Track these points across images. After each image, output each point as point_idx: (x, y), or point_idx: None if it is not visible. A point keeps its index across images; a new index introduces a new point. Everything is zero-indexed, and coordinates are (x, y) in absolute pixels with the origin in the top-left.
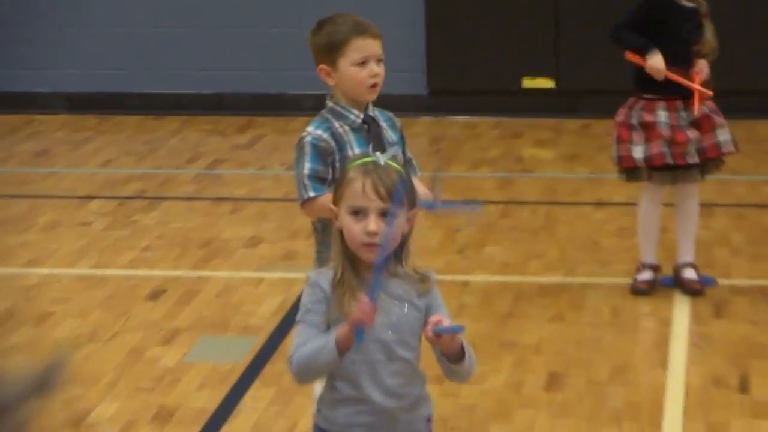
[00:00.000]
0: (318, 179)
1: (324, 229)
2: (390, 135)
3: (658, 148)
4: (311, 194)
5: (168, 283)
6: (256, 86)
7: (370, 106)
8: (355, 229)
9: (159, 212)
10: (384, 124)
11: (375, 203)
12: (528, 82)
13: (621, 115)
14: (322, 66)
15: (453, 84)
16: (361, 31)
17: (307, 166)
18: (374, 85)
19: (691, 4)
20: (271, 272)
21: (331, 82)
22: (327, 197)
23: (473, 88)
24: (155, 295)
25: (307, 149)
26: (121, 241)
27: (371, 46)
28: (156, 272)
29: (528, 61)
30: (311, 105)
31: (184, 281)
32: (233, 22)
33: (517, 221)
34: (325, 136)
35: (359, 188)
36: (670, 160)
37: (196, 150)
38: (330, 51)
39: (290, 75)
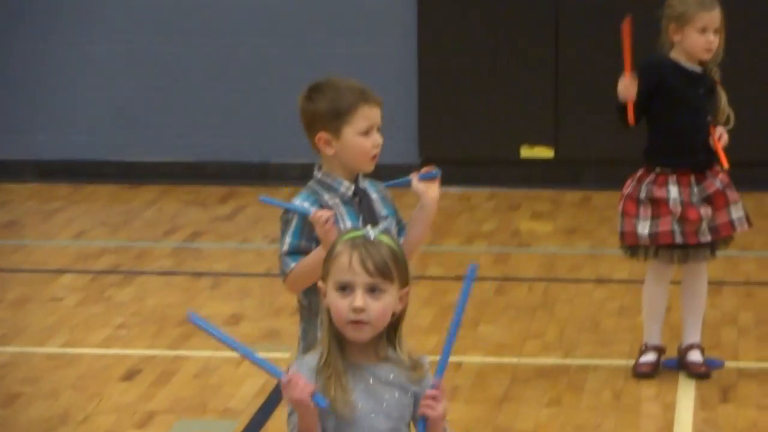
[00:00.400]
0: (299, 254)
1: (310, 307)
2: (381, 208)
3: (667, 225)
4: (291, 266)
5: (143, 363)
6: (239, 154)
7: (360, 177)
8: (341, 305)
9: (134, 287)
10: (375, 196)
11: (361, 278)
12: (526, 152)
13: (628, 187)
14: (323, 134)
15: (446, 152)
16: (368, 98)
17: (288, 242)
18: (375, 156)
19: (699, 70)
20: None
21: (329, 151)
22: (305, 263)
23: (468, 157)
24: (130, 376)
25: (293, 223)
26: (94, 318)
27: (375, 114)
28: (131, 351)
29: (526, 129)
30: (296, 174)
31: (160, 361)
32: (215, 87)
33: (513, 299)
34: (314, 209)
35: (345, 262)
36: (679, 239)
37: (174, 221)
38: (334, 118)
39: (275, 143)
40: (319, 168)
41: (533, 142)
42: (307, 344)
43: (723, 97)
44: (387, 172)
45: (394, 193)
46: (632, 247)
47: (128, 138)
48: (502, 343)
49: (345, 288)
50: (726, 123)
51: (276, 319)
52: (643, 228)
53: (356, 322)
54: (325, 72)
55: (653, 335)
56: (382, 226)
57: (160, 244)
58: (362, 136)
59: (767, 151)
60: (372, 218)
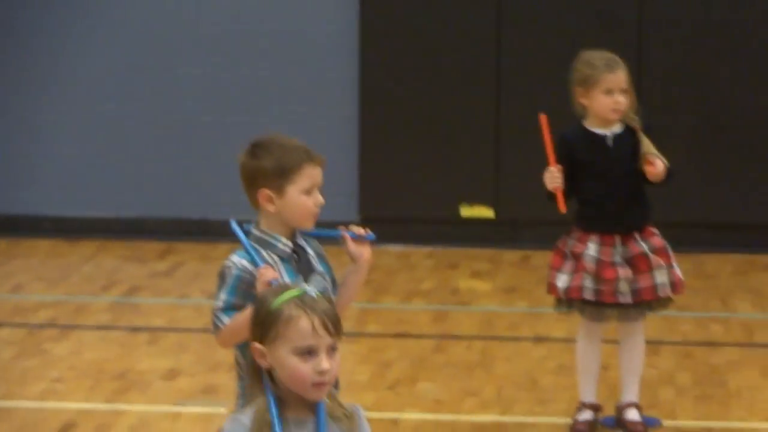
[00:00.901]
0: (232, 311)
1: (249, 363)
2: (317, 264)
3: (578, 280)
4: (225, 321)
5: (79, 417)
6: (178, 210)
7: (298, 234)
8: (303, 369)
9: (71, 341)
10: (311, 253)
11: (325, 340)
12: (466, 211)
13: (560, 242)
14: (265, 191)
15: (386, 211)
16: (312, 157)
17: (223, 298)
18: (316, 214)
19: (605, 132)
20: (190, 407)
21: (271, 208)
22: (239, 320)
23: (407, 215)
24: (65, 429)
25: (229, 280)
26: (30, 372)
27: (318, 174)
28: (67, 405)
29: (466, 188)
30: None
31: (96, 415)
32: (153, 143)
33: (451, 356)
34: (251, 267)
35: (307, 327)
36: (590, 296)
37: (112, 276)
38: (279, 176)
39: (214, 199)
40: (257, 225)
41: (473, 201)
42: (245, 399)
43: (646, 143)
44: (325, 228)
45: (329, 250)
46: (559, 301)
47: (67, 193)
48: (440, 400)
49: (309, 352)
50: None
51: (214, 374)
52: (561, 281)
53: (320, 384)
54: (264, 132)
55: (588, 393)
56: (317, 284)
57: (97, 298)
58: (305, 195)
59: (705, 212)
60: (309, 275)
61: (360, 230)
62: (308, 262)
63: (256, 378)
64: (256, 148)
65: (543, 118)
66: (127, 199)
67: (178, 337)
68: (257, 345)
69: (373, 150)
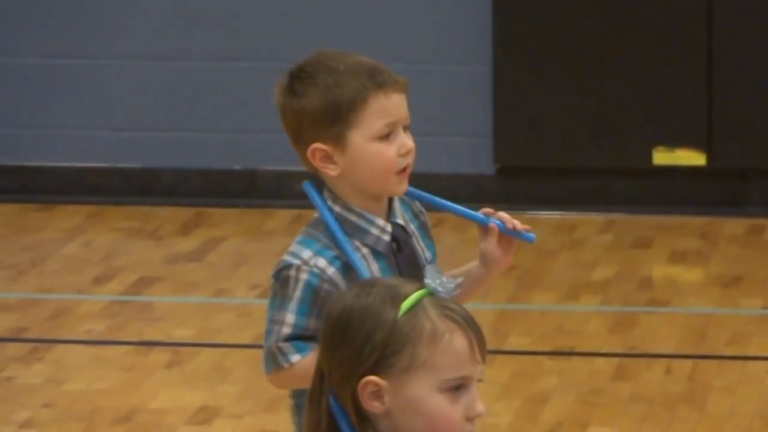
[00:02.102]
0: (303, 339)
1: (318, 409)
2: (423, 250)
3: None
4: (294, 359)
5: None
6: (210, 159)
7: (396, 208)
8: (453, 414)
9: (47, 365)
10: (412, 229)
11: (480, 368)
12: (661, 157)
13: None
14: (317, 145)
15: (532, 158)
16: (383, 81)
17: (290, 321)
18: (405, 169)
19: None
20: None
21: (332, 171)
22: (312, 358)
23: (565, 164)
24: None
25: (297, 291)
26: None
27: (398, 105)
28: None
29: (662, 127)
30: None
31: None
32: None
33: (639, 385)
34: (331, 271)
35: (465, 348)
36: None
37: (110, 262)
38: (333, 119)
39: (266, 142)
40: (331, 196)
41: (673, 142)
42: None
43: None
44: (441, 186)
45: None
46: None
47: (38, 132)
48: None
49: (460, 387)
50: None
51: (269, 415)
52: None
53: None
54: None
55: None
56: (451, 281)
57: (87, 296)
58: (380, 142)
59: None
60: (413, 274)
61: (516, 223)
62: (413, 255)
63: (324, 427)
64: (296, 81)
65: None
66: (132, 143)
67: (214, 357)
68: (375, 380)
69: (511, 69)
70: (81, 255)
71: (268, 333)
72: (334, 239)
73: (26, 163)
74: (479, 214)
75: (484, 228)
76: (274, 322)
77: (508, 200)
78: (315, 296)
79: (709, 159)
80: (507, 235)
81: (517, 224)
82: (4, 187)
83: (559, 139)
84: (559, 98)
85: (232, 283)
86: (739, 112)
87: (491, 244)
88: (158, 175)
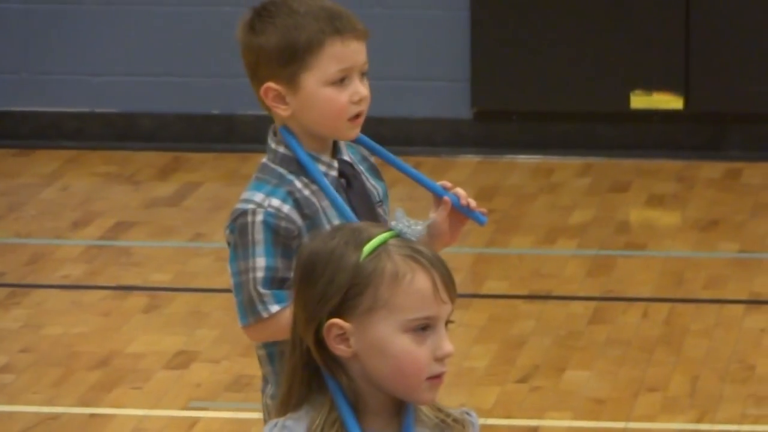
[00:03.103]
0: (277, 282)
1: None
2: (373, 188)
3: None
4: (273, 309)
5: (39, 430)
6: (186, 103)
7: (341, 146)
8: (420, 355)
9: (24, 309)
10: (361, 168)
11: (447, 308)
12: (639, 100)
13: None
14: (272, 84)
15: (510, 103)
16: (342, 27)
17: (261, 264)
18: (358, 116)
19: None
20: (212, 411)
21: (282, 111)
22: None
23: (544, 108)
24: None
25: (259, 234)
26: None
27: (355, 52)
28: (19, 409)
29: (638, 71)
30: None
31: (65, 426)
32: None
33: (617, 329)
34: (286, 208)
35: (428, 289)
36: None
37: (87, 206)
38: (288, 59)
39: (244, 87)
40: (275, 136)
41: (650, 86)
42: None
43: None
44: (421, 131)
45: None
46: None
47: (14, 76)
48: (600, 398)
49: (426, 328)
50: None
51: (247, 359)
52: None
53: (438, 377)
54: None
55: None
56: (416, 222)
57: (65, 241)
58: (333, 87)
59: None
60: (367, 210)
61: (471, 201)
62: (364, 190)
63: (303, 374)
64: (257, 19)
65: None
66: (111, 88)
67: (191, 302)
68: (339, 322)
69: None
70: (58, 200)
71: (240, 285)
72: (307, 171)
73: (3, 108)
74: (436, 183)
75: (437, 199)
76: (242, 272)
77: (485, 144)
78: (276, 235)
79: (687, 103)
80: (459, 211)
81: (472, 202)
82: (79, 133)
83: (536, 83)
84: (537, 42)
85: (210, 227)
86: (717, 56)
87: (441, 217)
88: (137, 120)
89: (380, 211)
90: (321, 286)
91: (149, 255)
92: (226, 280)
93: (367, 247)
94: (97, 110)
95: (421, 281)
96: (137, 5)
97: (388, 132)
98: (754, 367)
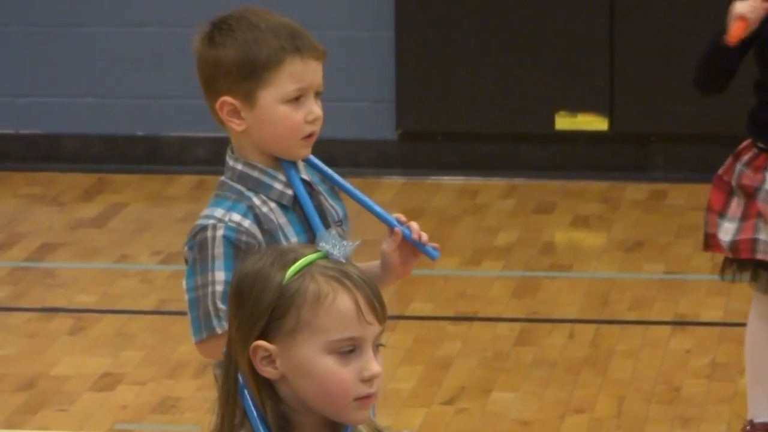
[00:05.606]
0: None
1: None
2: (332, 206)
3: (750, 231)
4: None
5: None
6: (113, 124)
7: (300, 165)
8: (344, 377)
9: None
10: (319, 189)
11: (373, 330)
12: (564, 122)
13: (722, 169)
14: (227, 99)
15: (434, 125)
16: (301, 46)
17: (221, 278)
18: (311, 135)
19: None
20: None
21: (237, 126)
22: None
23: (467, 130)
24: None
25: (219, 248)
26: None
27: (312, 72)
28: None
29: (563, 93)
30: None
31: None
32: None
33: (543, 350)
34: (247, 223)
35: (350, 309)
36: (761, 254)
37: (11, 228)
38: (246, 75)
39: (169, 109)
40: (233, 154)
41: (575, 108)
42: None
43: None
44: (344, 151)
45: None
46: (725, 261)
47: None
48: (527, 420)
49: (351, 350)
50: None
51: (173, 381)
52: (725, 232)
53: (367, 398)
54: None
55: (763, 407)
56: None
57: None
58: (289, 105)
59: None
60: (325, 226)
61: (424, 235)
62: (322, 210)
63: (233, 398)
64: (216, 31)
65: None
66: (35, 109)
67: (117, 324)
68: (263, 344)
69: (413, 34)
70: None
71: (195, 301)
72: (288, 179)
73: None
74: (389, 215)
75: (390, 230)
76: (199, 287)
77: (410, 165)
78: (236, 249)
79: (611, 124)
80: (411, 243)
81: (424, 236)
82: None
83: (461, 104)
84: (462, 64)
85: (134, 248)
86: (641, 78)
87: (390, 248)
88: (61, 141)
89: (338, 230)
90: (248, 308)
91: (74, 277)
92: (152, 302)
93: (292, 269)
94: (21, 131)
95: (343, 302)
96: (61, 27)
97: (313, 152)
98: (680, 388)
